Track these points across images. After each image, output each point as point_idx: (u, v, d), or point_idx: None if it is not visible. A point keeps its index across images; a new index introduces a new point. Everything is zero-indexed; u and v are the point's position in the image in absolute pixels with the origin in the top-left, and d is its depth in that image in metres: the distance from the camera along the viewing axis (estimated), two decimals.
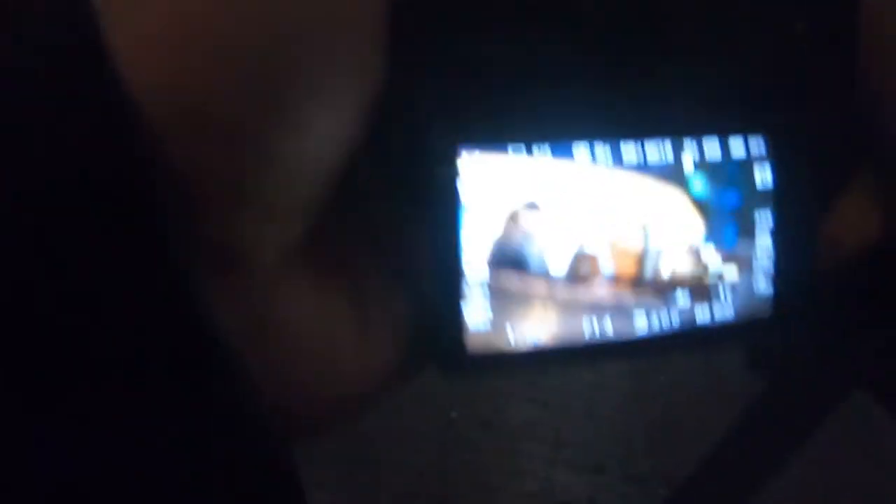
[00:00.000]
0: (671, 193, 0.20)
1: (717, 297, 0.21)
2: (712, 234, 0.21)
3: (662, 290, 0.20)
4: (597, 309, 0.20)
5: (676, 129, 0.20)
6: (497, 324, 0.18)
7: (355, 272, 0.17)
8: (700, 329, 0.21)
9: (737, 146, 0.20)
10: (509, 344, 0.19)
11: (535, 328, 0.19)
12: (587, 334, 0.19)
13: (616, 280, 0.20)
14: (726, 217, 0.21)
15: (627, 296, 0.20)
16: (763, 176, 0.21)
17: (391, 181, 0.18)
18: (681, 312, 0.21)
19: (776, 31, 0.20)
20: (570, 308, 0.19)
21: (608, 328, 0.20)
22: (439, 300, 0.18)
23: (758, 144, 0.21)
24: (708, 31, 0.20)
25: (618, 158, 0.19)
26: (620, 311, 0.20)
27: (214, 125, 0.14)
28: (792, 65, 0.20)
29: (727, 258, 0.21)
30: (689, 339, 0.21)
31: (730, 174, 0.21)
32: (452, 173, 0.17)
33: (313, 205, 0.16)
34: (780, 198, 0.21)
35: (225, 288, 0.15)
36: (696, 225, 0.21)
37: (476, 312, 0.18)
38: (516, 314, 0.19)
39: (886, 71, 0.19)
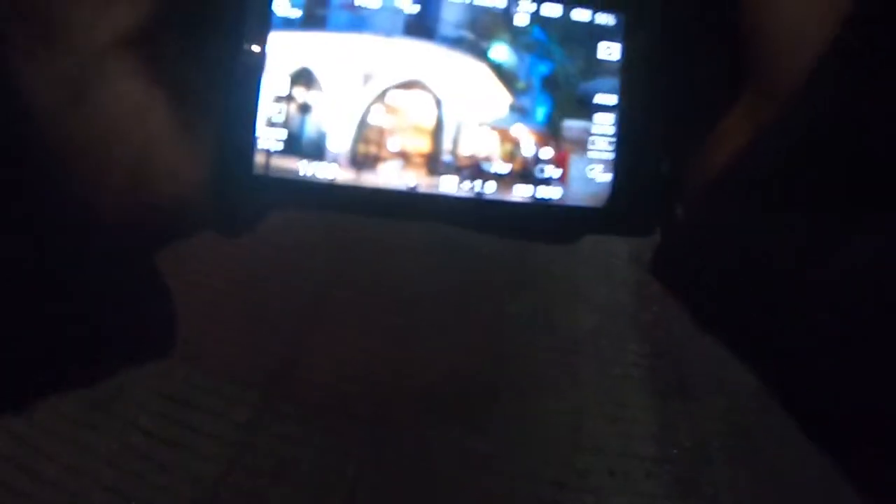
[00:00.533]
0: (471, 65, 0.19)
1: (531, 180, 0.19)
2: (522, 111, 0.19)
3: (462, 170, 0.19)
4: (383, 193, 0.18)
5: None
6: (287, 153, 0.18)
7: (178, 76, 0.18)
8: (510, 207, 0.19)
9: (581, 14, 0.19)
10: (297, 173, 0.18)
11: (326, 168, 0.18)
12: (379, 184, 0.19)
13: (408, 160, 0.19)
14: (540, 93, 0.19)
15: (421, 178, 0.19)
16: (609, 50, 0.19)
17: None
18: (484, 192, 0.19)
19: None
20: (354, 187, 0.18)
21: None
22: (234, 121, 0.18)
23: (606, 19, 0.19)
24: None
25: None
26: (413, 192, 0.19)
27: None
28: None
29: (544, 138, 0.19)
30: (494, 215, 0.19)
31: (567, 42, 0.19)
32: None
33: None
34: (626, 77, 0.19)
35: (49, 61, 0.15)
36: (500, 99, 0.19)
37: (268, 140, 0.18)
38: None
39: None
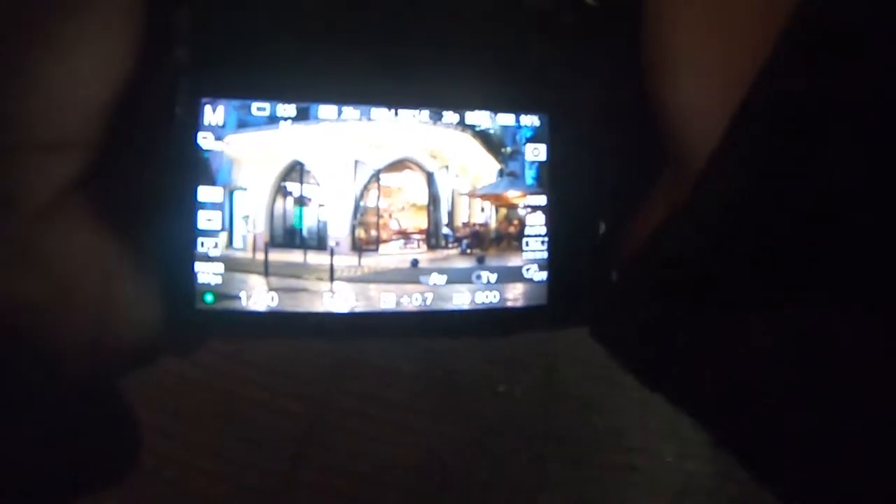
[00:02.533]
0: (455, 136, 0.19)
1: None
2: (512, 175, 0.19)
3: (461, 240, 0.19)
4: (387, 278, 0.19)
5: (435, 100, 0.19)
6: (236, 287, 0.18)
7: (122, 219, 0.18)
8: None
9: (507, 120, 0.19)
10: (241, 307, 0.18)
11: (264, 296, 0.19)
12: (343, 307, 0.19)
13: (407, 238, 0.19)
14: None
15: (422, 253, 0.19)
16: (536, 151, 0.20)
17: (145, 132, 0.18)
18: (425, 305, 0.19)
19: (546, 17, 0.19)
20: (355, 279, 0.19)
21: (386, 301, 0.19)
22: (172, 255, 0.18)
23: (531, 121, 0.19)
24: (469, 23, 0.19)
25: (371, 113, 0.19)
26: (416, 277, 0.19)
27: None
28: (566, 47, 0.19)
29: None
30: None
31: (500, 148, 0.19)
32: (193, 123, 0.18)
33: (84, 143, 0.16)
34: (553, 176, 0.20)
35: None
36: (489, 166, 0.19)
37: (211, 275, 0.18)
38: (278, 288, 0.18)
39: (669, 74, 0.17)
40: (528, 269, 0.20)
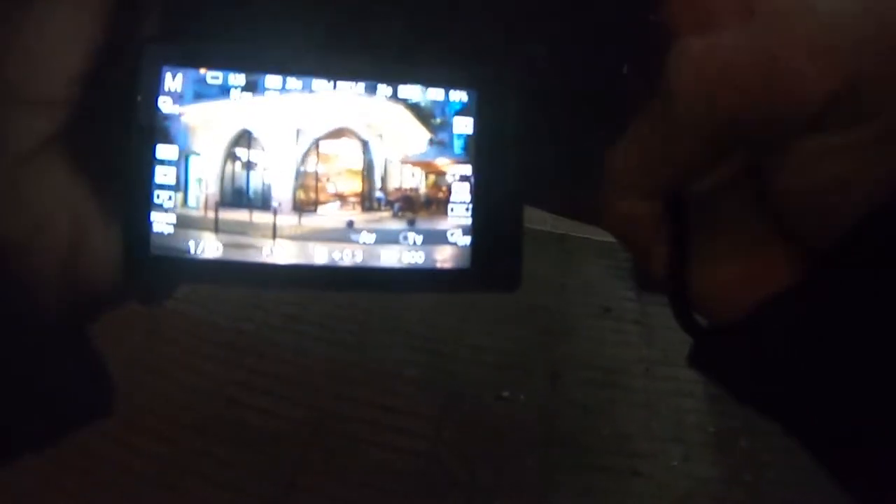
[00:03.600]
0: (388, 107, 0.21)
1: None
2: (441, 144, 0.21)
3: (393, 203, 0.21)
4: (323, 236, 0.21)
5: (372, 73, 0.21)
6: (189, 238, 0.20)
7: (96, 165, 0.20)
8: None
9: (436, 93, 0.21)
10: (195, 252, 0.20)
11: (213, 247, 0.20)
12: (294, 260, 0.20)
13: (344, 200, 0.21)
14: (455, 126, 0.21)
15: (358, 214, 0.21)
16: (464, 124, 0.21)
17: (113, 95, 0.20)
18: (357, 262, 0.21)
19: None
20: (295, 237, 0.21)
21: (335, 256, 0.21)
22: (130, 204, 0.20)
23: (460, 96, 0.21)
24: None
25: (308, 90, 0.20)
26: (349, 236, 0.21)
27: None
28: (497, 28, 0.21)
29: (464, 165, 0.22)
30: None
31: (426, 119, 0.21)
32: (154, 88, 0.20)
33: (61, 101, 0.19)
34: (479, 148, 0.21)
35: None
36: (420, 136, 0.21)
37: (164, 225, 0.20)
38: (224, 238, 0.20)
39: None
40: (452, 234, 0.21)
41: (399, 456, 1.36)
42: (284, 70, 0.20)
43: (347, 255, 0.21)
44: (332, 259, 0.21)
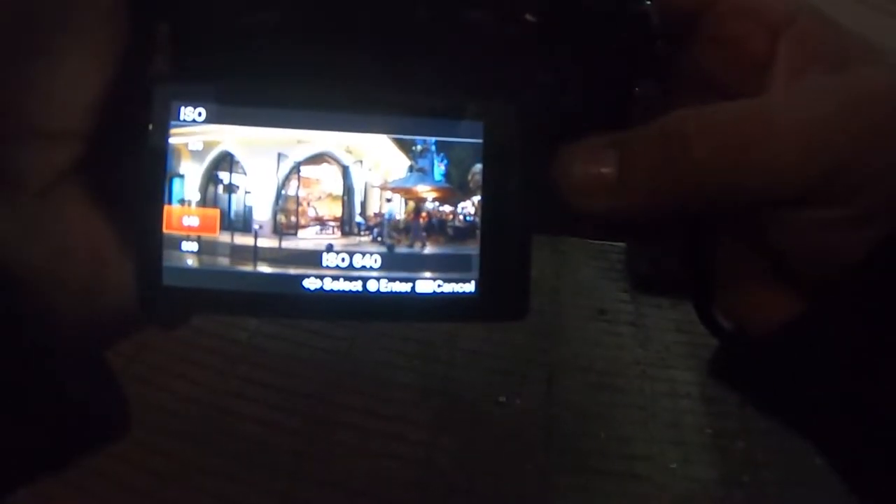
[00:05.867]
0: (370, 136, 0.21)
1: (436, 231, 0.21)
2: (422, 171, 0.21)
3: (372, 228, 0.21)
4: (303, 258, 0.21)
5: (376, 107, 0.21)
6: (195, 266, 0.20)
7: (119, 200, 0.20)
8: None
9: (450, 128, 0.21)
10: (204, 284, 0.20)
11: (231, 275, 0.20)
12: (287, 288, 0.21)
13: (323, 224, 0.21)
14: (436, 154, 0.21)
15: (337, 239, 0.21)
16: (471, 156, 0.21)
17: (127, 129, 0.20)
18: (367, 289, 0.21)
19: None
20: (275, 259, 0.21)
21: (318, 282, 0.21)
22: (141, 237, 0.20)
23: (471, 128, 0.21)
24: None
25: (315, 124, 0.21)
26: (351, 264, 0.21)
27: None
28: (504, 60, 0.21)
29: (444, 193, 0.21)
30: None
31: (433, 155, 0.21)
32: (166, 124, 0.20)
33: (78, 135, 0.19)
34: (487, 176, 0.21)
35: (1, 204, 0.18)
36: (400, 162, 0.21)
37: (176, 255, 0.20)
38: (219, 261, 0.20)
39: None
40: (460, 262, 0.21)
41: (396, 463, 1.36)
42: (287, 105, 0.21)
43: (354, 284, 0.21)
44: (340, 287, 0.21)
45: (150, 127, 0.20)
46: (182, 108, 0.20)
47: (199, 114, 0.20)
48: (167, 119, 0.20)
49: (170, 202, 0.20)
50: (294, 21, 0.20)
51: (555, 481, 1.40)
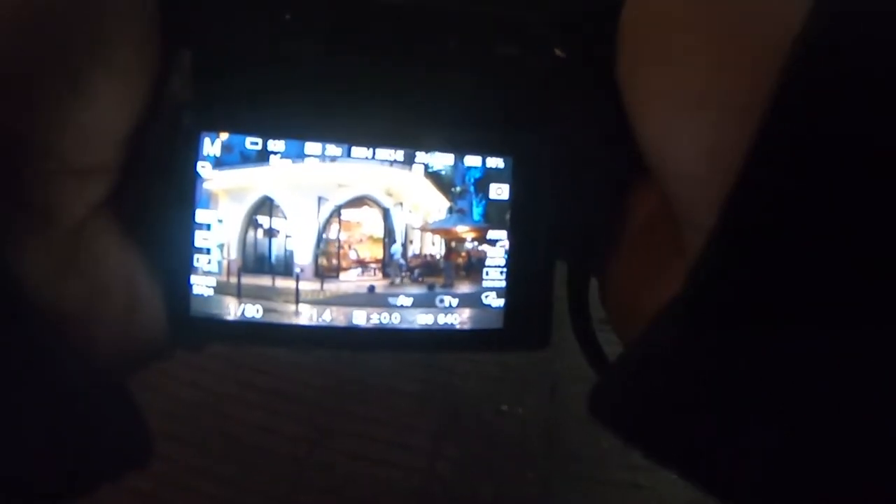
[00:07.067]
0: (408, 176, 0.21)
1: (474, 270, 0.22)
2: (461, 212, 0.21)
3: (413, 269, 0.21)
4: (345, 300, 0.21)
5: (410, 141, 0.21)
6: (224, 299, 0.21)
7: (143, 232, 0.20)
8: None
9: (473, 161, 0.21)
10: (230, 315, 0.21)
11: (258, 307, 0.21)
12: (320, 321, 0.21)
13: (365, 266, 0.21)
14: (475, 194, 0.22)
15: (378, 280, 0.21)
16: (500, 191, 0.22)
17: (154, 160, 0.21)
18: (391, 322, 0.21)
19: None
20: (316, 301, 0.21)
21: (358, 319, 0.21)
22: (170, 267, 0.20)
23: (496, 163, 0.21)
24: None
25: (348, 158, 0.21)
26: (372, 301, 0.21)
27: (15, 91, 0.17)
28: (532, 94, 0.21)
29: (482, 232, 0.22)
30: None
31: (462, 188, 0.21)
32: (192, 154, 0.20)
33: (110, 168, 0.19)
34: (515, 215, 0.22)
35: (35, 242, 0.18)
36: (439, 203, 0.21)
37: (204, 287, 0.20)
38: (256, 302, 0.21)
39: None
40: (486, 297, 0.22)
41: (397, 471, 1.36)
42: (323, 137, 0.21)
43: (384, 318, 0.21)
44: (369, 321, 0.21)
45: (178, 158, 0.20)
46: (211, 138, 0.20)
47: (229, 148, 0.20)
48: (195, 149, 0.20)
49: (207, 252, 0.20)
50: (323, 52, 0.21)
51: (556, 490, 1.40)
